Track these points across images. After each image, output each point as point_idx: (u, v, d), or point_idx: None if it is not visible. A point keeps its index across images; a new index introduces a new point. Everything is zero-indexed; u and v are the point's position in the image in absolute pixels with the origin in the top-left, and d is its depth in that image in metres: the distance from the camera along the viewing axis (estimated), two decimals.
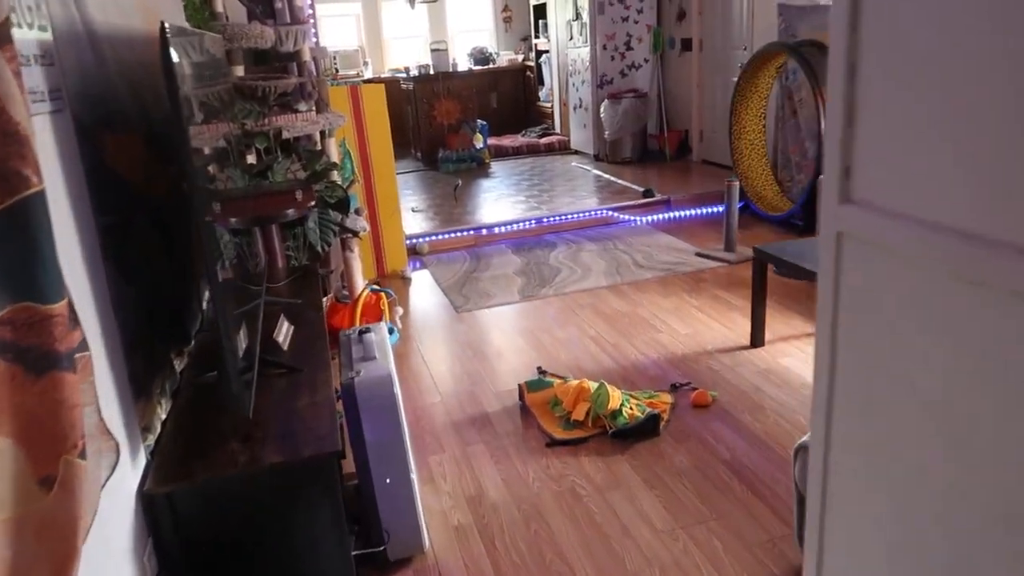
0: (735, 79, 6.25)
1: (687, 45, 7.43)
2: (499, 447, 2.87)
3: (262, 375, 2.07)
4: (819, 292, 0.83)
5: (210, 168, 4.00)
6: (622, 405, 2.90)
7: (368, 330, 2.43)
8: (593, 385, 2.98)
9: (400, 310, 4.04)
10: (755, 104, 5.94)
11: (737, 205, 4.90)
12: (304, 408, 1.96)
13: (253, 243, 3.66)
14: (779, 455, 2.70)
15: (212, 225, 2.96)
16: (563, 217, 5.93)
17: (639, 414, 2.88)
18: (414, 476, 2.19)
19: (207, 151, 4.08)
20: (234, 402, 1.76)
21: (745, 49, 6.52)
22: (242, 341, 2.35)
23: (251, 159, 3.84)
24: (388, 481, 2.13)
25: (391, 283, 4.84)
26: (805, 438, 2.03)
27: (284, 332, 2.45)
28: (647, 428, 2.85)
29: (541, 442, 2.88)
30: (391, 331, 3.93)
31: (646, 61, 7.93)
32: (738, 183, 4.92)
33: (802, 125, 5.76)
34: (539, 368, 3.48)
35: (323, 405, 1.96)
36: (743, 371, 3.36)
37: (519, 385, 3.19)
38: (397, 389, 2.18)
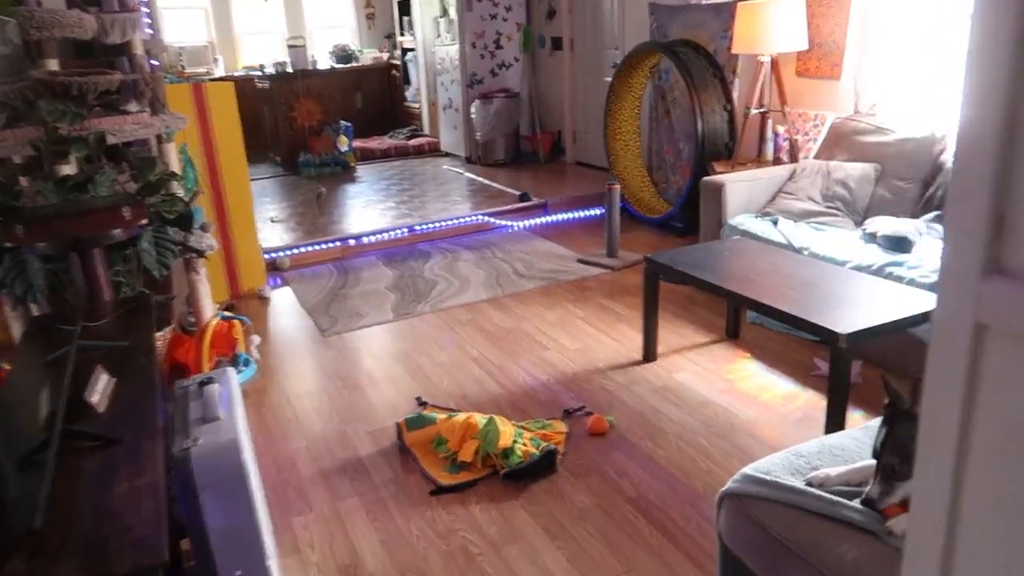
0: (608, 79, 6.12)
1: (558, 44, 7.25)
2: (376, 500, 2.49)
3: (66, 452, 1.61)
4: (927, 418, 0.52)
5: (22, 180, 3.37)
6: (514, 441, 2.60)
7: (210, 380, 1.99)
8: (481, 420, 2.66)
9: (257, 339, 3.57)
10: (629, 105, 5.82)
11: (618, 209, 4.72)
12: (122, 497, 1.51)
13: (72, 270, 3.09)
14: (686, 486, 2.48)
15: None
16: (437, 224, 5.58)
17: (534, 450, 2.59)
18: (272, 563, 1.79)
19: (17, 160, 3.43)
20: (11, 506, 1.31)
21: (617, 48, 6.40)
22: (43, 406, 1.87)
23: (68, 169, 3.26)
24: (238, 574, 1.71)
25: (247, 305, 4.33)
26: (729, 484, 1.80)
27: (101, 388, 1.97)
28: (543, 466, 2.56)
29: (424, 490, 2.53)
30: (247, 363, 3.45)
31: (516, 60, 7.70)
32: (618, 186, 4.74)
33: (675, 126, 5.69)
34: (418, 399, 3.12)
35: (147, 490, 1.53)
36: (639, 390, 3.14)
37: (397, 424, 2.82)
38: (247, 457, 1.77)
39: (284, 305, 4.35)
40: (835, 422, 2.48)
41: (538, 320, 3.92)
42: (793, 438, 2.72)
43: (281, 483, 2.60)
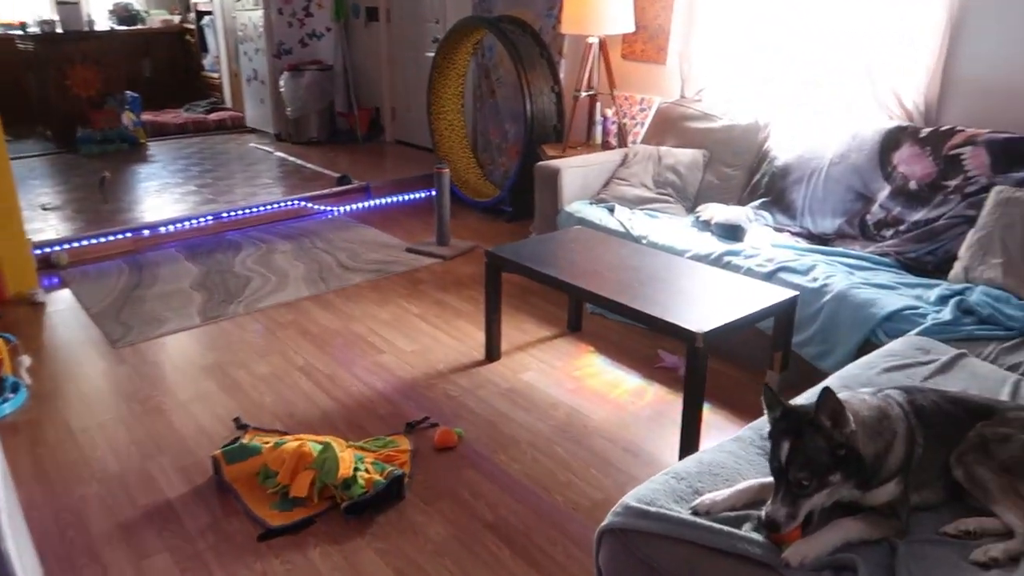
0: (429, 54, 5.82)
1: (373, 15, 6.81)
2: (192, 554, 2.09)
3: None
4: None
5: None
6: (356, 469, 2.29)
7: None
8: (316, 447, 2.32)
9: (27, 360, 2.95)
10: (453, 82, 5.56)
11: (448, 194, 4.47)
12: None
13: None
14: (546, 503, 2.30)
15: None
16: (247, 211, 5.03)
17: (378, 476, 2.30)
18: None
19: None
20: None
21: (437, 22, 6.10)
22: None
23: None
24: None
25: (15, 313, 3.62)
26: (610, 518, 1.62)
27: None
28: (390, 494, 2.27)
29: (251, 535, 2.16)
30: (15, 388, 2.85)
31: (329, 30, 7.16)
32: (448, 170, 4.48)
33: (501, 105, 5.52)
34: (237, 420, 2.71)
35: None
36: (485, 394, 2.93)
37: (213, 456, 2.40)
38: (11, 544, 1.34)
39: (63, 311, 3.69)
40: (692, 422, 2.41)
41: (369, 319, 3.59)
42: (648, 439, 2.64)
43: (66, 546, 2.12)
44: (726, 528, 1.50)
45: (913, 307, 2.60)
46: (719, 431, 2.67)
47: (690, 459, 1.76)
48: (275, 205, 5.14)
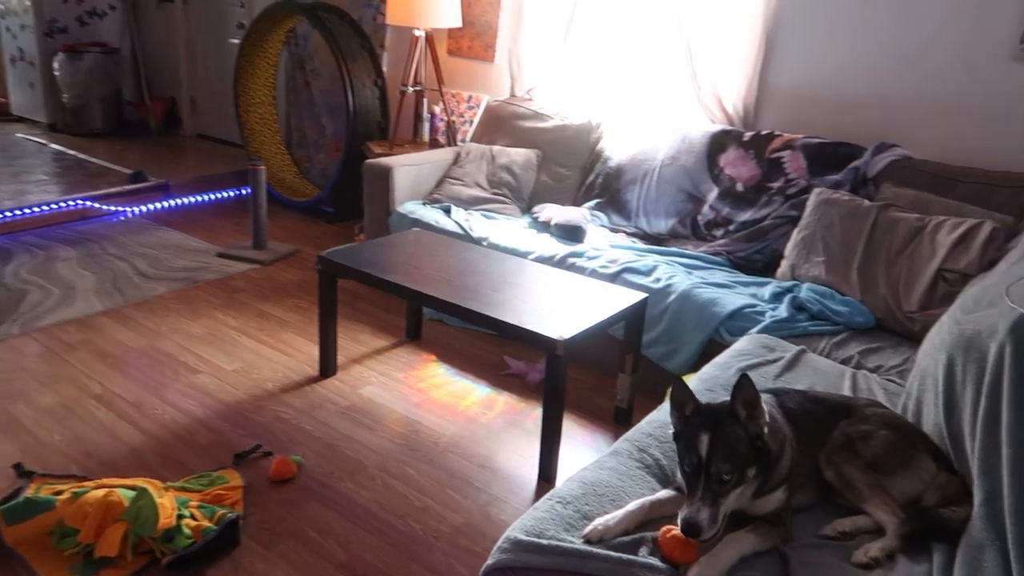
0: (233, 40, 5.34)
1: None
2: None
3: None
4: None
5: None
6: (180, 516, 1.95)
7: None
8: (127, 494, 1.95)
9: None
10: (263, 72, 5.13)
11: (265, 194, 4.08)
12: None
13: None
14: (403, 533, 2.10)
15: None
16: (17, 212, 4.31)
17: (208, 523, 1.97)
18: None
19: None
20: None
21: (242, 6, 5.61)
22: None
23: None
24: None
25: None
26: (497, 555, 1.46)
27: None
28: (224, 542, 1.96)
29: None
30: None
31: (113, 8, 6.37)
32: (264, 167, 4.09)
33: (316, 98, 5.17)
34: (18, 467, 2.24)
35: None
36: (323, 415, 2.66)
37: None
38: None
39: None
40: (552, 434, 2.30)
41: (180, 335, 3.16)
42: (504, 452, 2.51)
43: None
44: (625, 556, 1.39)
45: (751, 305, 2.68)
46: (574, 439, 2.60)
47: (572, 480, 1.64)
48: (54, 206, 4.45)
